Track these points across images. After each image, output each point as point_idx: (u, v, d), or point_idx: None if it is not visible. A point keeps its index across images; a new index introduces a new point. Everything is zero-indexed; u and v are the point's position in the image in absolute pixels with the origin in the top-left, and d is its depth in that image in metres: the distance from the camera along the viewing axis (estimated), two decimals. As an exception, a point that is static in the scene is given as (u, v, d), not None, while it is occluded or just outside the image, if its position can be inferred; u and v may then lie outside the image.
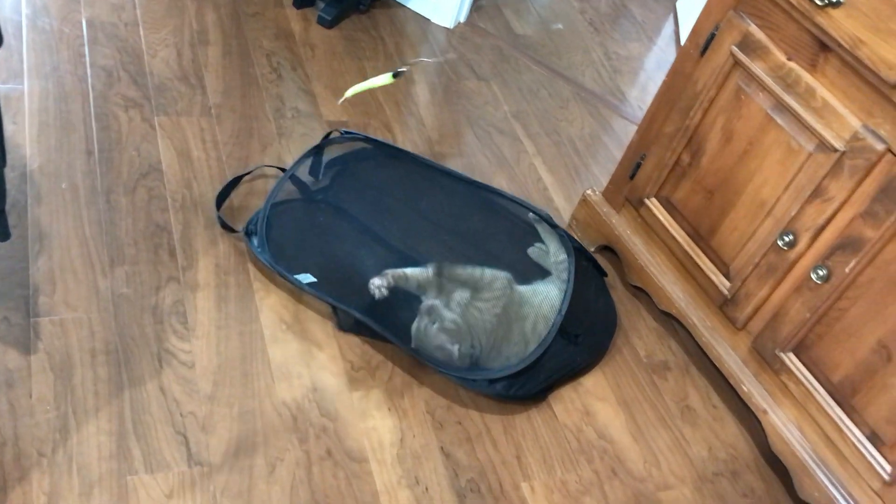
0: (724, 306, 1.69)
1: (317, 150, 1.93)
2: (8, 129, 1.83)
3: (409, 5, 2.58)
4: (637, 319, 1.90)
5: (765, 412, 1.64)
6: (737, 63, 1.55)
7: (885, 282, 1.40)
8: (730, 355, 1.70)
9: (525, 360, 1.60)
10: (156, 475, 1.38)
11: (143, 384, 1.48)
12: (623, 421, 1.69)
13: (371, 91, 2.24)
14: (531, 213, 1.88)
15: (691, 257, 1.74)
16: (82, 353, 1.50)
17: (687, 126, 1.67)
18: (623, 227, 1.89)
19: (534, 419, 1.64)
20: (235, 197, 1.86)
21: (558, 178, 2.19)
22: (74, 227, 1.69)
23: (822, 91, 1.43)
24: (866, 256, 1.41)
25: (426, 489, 1.48)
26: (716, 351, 1.72)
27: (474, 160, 2.15)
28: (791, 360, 1.58)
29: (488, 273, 1.68)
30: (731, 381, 1.70)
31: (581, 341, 1.69)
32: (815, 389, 1.55)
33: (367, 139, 1.99)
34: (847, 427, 1.51)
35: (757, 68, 1.51)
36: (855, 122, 1.40)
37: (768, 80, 1.50)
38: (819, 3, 1.37)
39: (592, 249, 1.94)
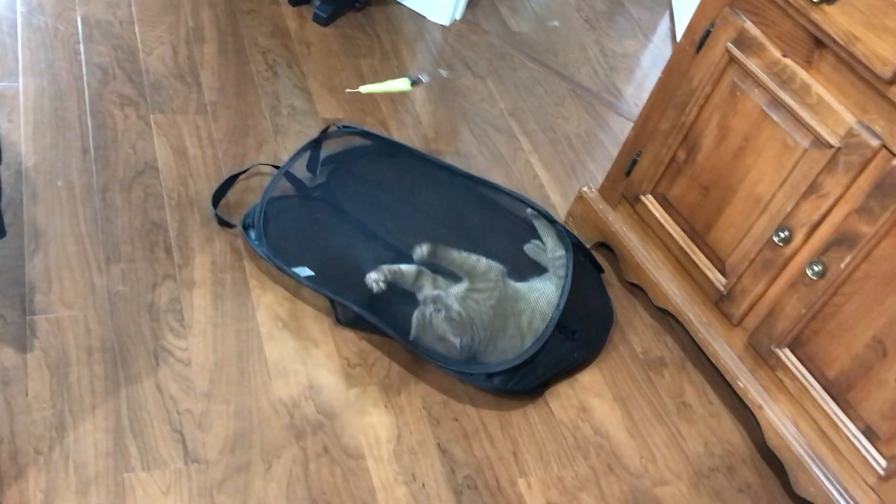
0: (719, 302, 1.69)
1: (314, 145, 1.93)
2: (3, 126, 1.83)
3: (404, 2, 2.58)
4: (633, 316, 1.90)
5: (761, 408, 1.64)
6: (732, 60, 1.55)
7: (880, 277, 1.41)
8: (726, 351, 1.70)
9: (523, 354, 1.60)
10: (152, 472, 1.38)
11: (139, 382, 1.48)
12: (619, 417, 1.70)
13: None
14: (529, 209, 1.88)
15: (687, 254, 1.74)
16: (78, 351, 1.50)
17: (682, 123, 1.68)
18: (619, 224, 1.89)
19: (530, 415, 1.65)
20: (231, 194, 1.86)
21: (554, 175, 2.19)
22: (70, 224, 1.68)
23: (817, 87, 1.44)
24: (861, 252, 1.42)
25: (423, 485, 1.48)
26: (712, 347, 1.72)
27: (470, 157, 2.15)
28: (787, 355, 1.59)
29: (483, 262, 1.68)
30: (727, 377, 1.70)
31: (578, 337, 1.70)
32: (811, 385, 1.55)
33: (365, 133, 1.99)
34: (842, 422, 1.51)
35: (752, 65, 1.52)
36: (850, 119, 1.40)
37: (763, 77, 1.50)
38: (814, -1, 1.37)
39: (589, 246, 1.95)
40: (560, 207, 2.10)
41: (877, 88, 1.35)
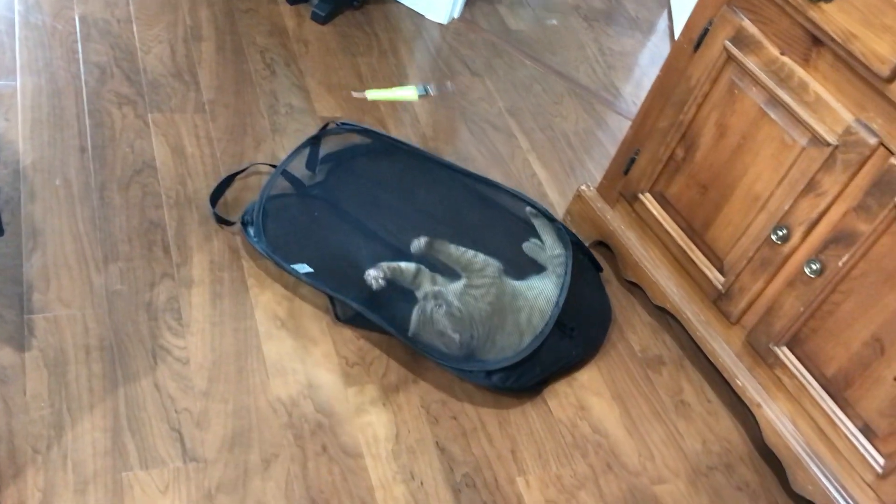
0: (718, 301, 1.70)
1: (314, 141, 1.93)
2: (0, 125, 1.83)
3: (402, 1, 2.57)
4: (631, 314, 1.90)
5: (759, 406, 1.64)
6: (730, 58, 1.55)
7: (878, 275, 1.41)
8: (724, 349, 1.71)
9: (522, 351, 1.60)
10: (151, 471, 1.38)
11: (137, 380, 1.48)
12: (617, 415, 1.70)
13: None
14: (528, 207, 1.88)
15: (685, 252, 1.74)
16: (76, 350, 1.49)
17: (681, 121, 1.68)
18: (617, 223, 1.89)
19: (528, 414, 1.65)
20: (229, 193, 1.85)
21: (552, 174, 2.19)
22: (68, 223, 1.68)
23: (815, 85, 1.44)
24: (859, 250, 1.42)
25: (421, 484, 1.48)
26: (710, 345, 1.72)
27: (468, 156, 2.15)
28: (785, 353, 1.59)
29: (480, 258, 1.69)
30: (726, 376, 1.70)
31: (576, 335, 1.70)
32: (809, 383, 1.55)
33: (364, 130, 1.99)
34: (840, 420, 1.51)
35: (750, 63, 1.52)
36: (847, 117, 1.40)
37: (761, 75, 1.50)
38: (812, -3, 1.38)
39: (587, 245, 1.95)
40: (558, 206, 2.10)
41: (875, 87, 1.35)
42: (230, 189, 1.86)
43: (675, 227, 1.76)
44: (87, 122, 1.89)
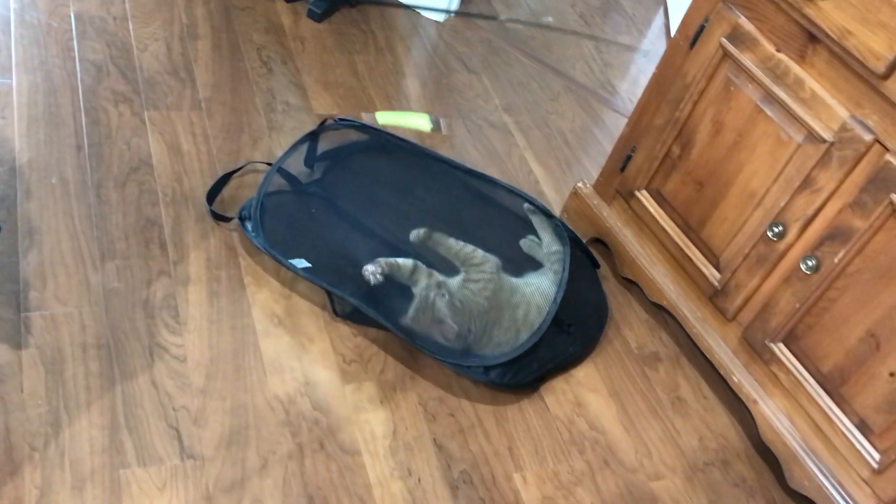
0: (714, 297, 1.70)
1: (312, 137, 1.93)
2: (-3, 123, 1.82)
3: (399, -1, 2.57)
4: (628, 311, 1.90)
5: (755, 402, 1.65)
6: (726, 55, 1.55)
7: (873, 271, 1.41)
8: (720, 346, 1.71)
9: (521, 346, 1.61)
10: (148, 469, 1.38)
11: (134, 378, 1.48)
12: (614, 412, 1.70)
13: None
14: (526, 204, 1.88)
15: (682, 249, 1.74)
16: (73, 348, 1.49)
17: (677, 118, 1.68)
18: (614, 220, 1.90)
19: (526, 411, 1.65)
20: (226, 190, 1.85)
21: (549, 171, 2.19)
22: (65, 221, 1.68)
23: (811, 82, 1.44)
24: (855, 247, 1.42)
25: (419, 480, 1.49)
26: (706, 342, 1.72)
27: (465, 153, 2.15)
28: (781, 350, 1.59)
29: (480, 253, 1.71)
30: (722, 372, 1.71)
31: (573, 331, 1.70)
32: (805, 379, 1.56)
33: (362, 126, 1.99)
34: (836, 416, 1.52)
35: (746, 60, 1.52)
36: (843, 113, 1.41)
37: (757, 72, 1.51)
38: (807, -6, 1.38)
39: (584, 241, 1.95)
40: (555, 203, 2.10)
41: (870, 83, 1.35)
42: (226, 187, 1.86)
43: (672, 224, 1.77)
44: (84, 119, 1.89)
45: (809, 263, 1.49)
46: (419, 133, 2.16)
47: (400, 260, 1.67)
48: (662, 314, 1.90)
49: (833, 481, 1.54)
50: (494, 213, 1.92)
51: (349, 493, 1.44)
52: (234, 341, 1.59)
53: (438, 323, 1.58)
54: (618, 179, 1.86)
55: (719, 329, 1.71)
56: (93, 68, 2.01)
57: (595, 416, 1.68)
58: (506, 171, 2.14)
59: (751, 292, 1.62)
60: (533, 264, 1.81)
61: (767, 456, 1.69)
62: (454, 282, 1.67)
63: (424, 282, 1.66)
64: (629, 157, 1.81)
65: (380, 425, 1.54)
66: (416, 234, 1.74)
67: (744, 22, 1.52)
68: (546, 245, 1.82)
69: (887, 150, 1.36)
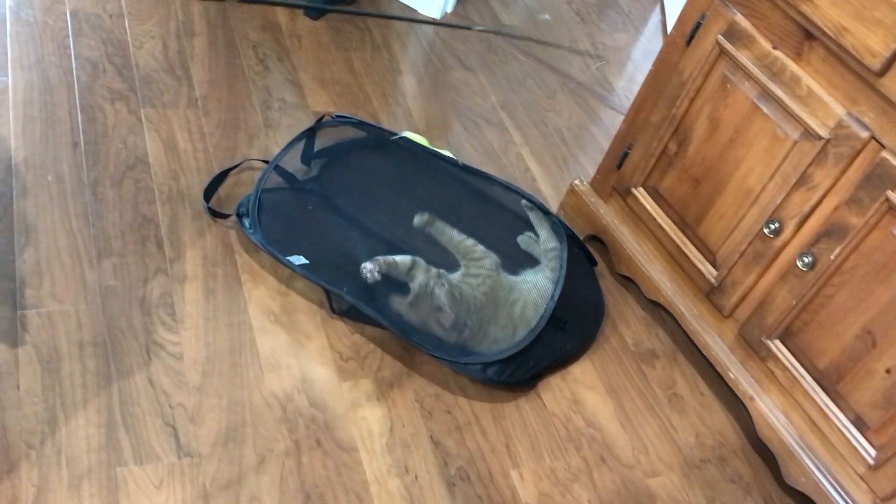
0: (710, 294, 1.70)
1: (310, 134, 1.92)
2: (-8, 121, 1.82)
3: (395, -4, 2.57)
4: (625, 308, 1.91)
5: (752, 399, 1.65)
6: (722, 52, 1.56)
7: (869, 268, 1.41)
8: (717, 343, 1.71)
9: (518, 343, 1.61)
10: (145, 466, 1.38)
11: (131, 376, 1.48)
12: (611, 409, 1.70)
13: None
14: (524, 200, 1.88)
15: (678, 246, 1.75)
16: (70, 346, 1.49)
17: (673, 115, 1.68)
18: (610, 217, 1.90)
19: (522, 407, 1.65)
20: (222, 188, 1.85)
21: (546, 169, 2.19)
22: (61, 219, 1.68)
23: (807, 79, 1.44)
24: (851, 243, 1.42)
25: (416, 477, 1.49)
26: (703, 339, 1.73)
27: (462, 151, 2.15)
28: (777, 347, 1.59)
29: (480, 248, 1.72)
30: (718, 369, 1.71)
31: (569, 328, 1.70)
32: (801, 376, 1.56)
33: (360, 123, 1.99)
34: (832, 412, 1.52)
35: (742, 57, 1.52)
36: (839, 110, 1.41)
37: (754, 69, 1.51)
38: (804, -9, 1.38)
39: (581, 238, 1.95)
40: (552, 200, 2.10)
41: (866, 80, 1.36)
42: (223, 184, 1.85)
43: (668, 221, 1.77)
44: (80, 117, 1.89)
45: (806, 260, 1.49)
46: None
47: (398, 257, 1.67)
48: (659, 311, 1.91)
49: (829, 477, 1.54)
50: (492, 210, 1.92)
51: (346, 490, 1.44)
52: (230, 339, 1.59)
53: (436, 310, 1.59)
54: (614, 176, 1.86)
55: (716, 326, 1.72)
56: (89, 66, 2.01)
57: (592, 412, 1.69)
58: (503, 168, 2.14)
59: (747, 289, 1.62)
60: (530, 261, 1.81)
61: (764, 452, 1.69)
62: (454, 276, 1.68)
63: (422, 277, 1.66)
64: (626, 155, 1.81)
65: (377, 422, 1.54)
66: (419, 218, 1.78)
67: (740, 19, 1.52)
68: (543, 242, 1.82)
69: (883, 147, 1.36)
